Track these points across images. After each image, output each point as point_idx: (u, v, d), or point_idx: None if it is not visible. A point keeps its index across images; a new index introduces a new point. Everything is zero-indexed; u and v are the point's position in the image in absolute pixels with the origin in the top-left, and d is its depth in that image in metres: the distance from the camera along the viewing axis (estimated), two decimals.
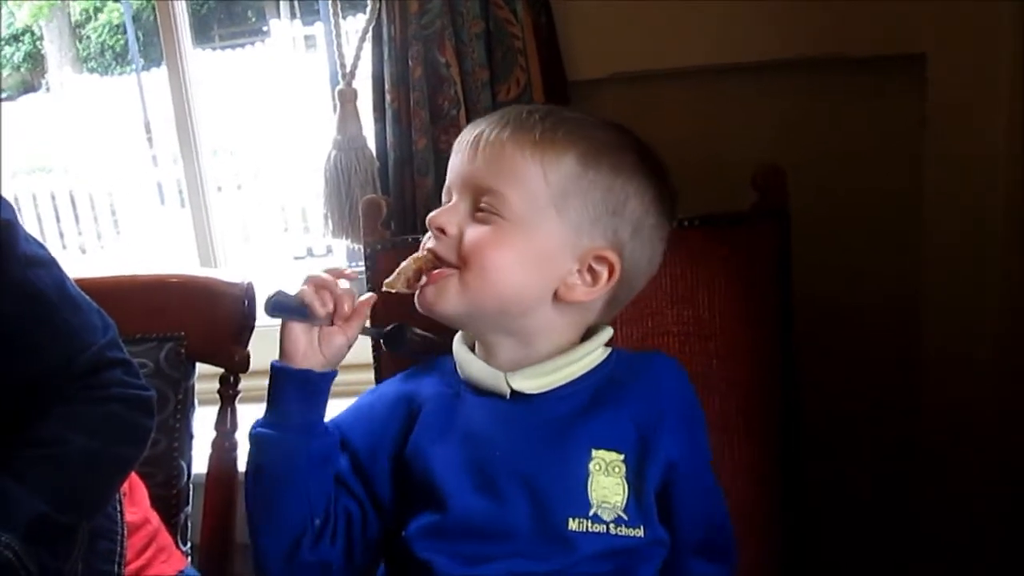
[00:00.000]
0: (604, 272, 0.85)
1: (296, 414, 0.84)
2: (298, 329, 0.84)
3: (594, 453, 0.82)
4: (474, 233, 0.83)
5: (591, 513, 0.81)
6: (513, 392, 0.85)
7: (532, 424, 0.84)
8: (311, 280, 0.85)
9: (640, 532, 0.82)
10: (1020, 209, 1.19)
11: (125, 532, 0.92)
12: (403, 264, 0.85)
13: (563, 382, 0.86)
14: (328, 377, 0.85)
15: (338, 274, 0.86)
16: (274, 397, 0.85)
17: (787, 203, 1.04)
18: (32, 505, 0.75)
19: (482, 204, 0.83)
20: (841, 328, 1.25)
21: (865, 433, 1.29)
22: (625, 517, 0.81)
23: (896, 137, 1.23)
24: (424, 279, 0.85)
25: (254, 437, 0.85)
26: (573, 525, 0.80)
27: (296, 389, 0.84)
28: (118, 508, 0.92)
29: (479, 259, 0.83)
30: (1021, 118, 1.16)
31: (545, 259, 0.84)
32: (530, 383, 0.85)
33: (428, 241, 0.87)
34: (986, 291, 1.23)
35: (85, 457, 0.81)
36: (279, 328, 0.86)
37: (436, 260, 0.85)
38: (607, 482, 0.82)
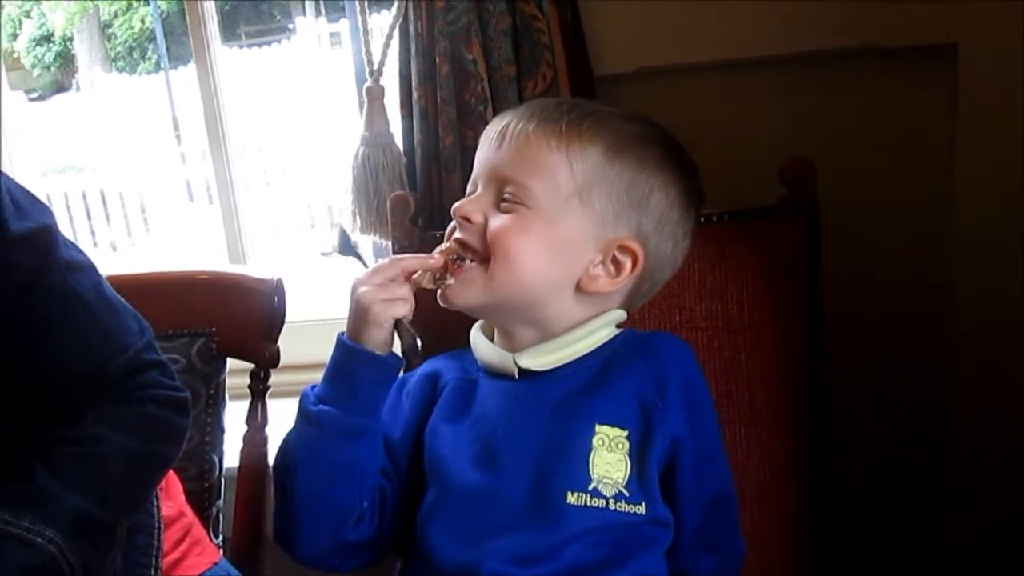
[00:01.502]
0: (628, 263, 0.86)
1: (371, 399, 0.84)
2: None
3: (598, 428, 0.82)
4: (498, 221, 0.84)
5: (591, 487, 0.81)
6: (521, 371, 0.86)
7: (538, 401, 0.85)
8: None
9: (641, 509, 0.81)
10: None
11: (162, 526, 0.93)
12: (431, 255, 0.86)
13: (569, 359, 0.87)
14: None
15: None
16: (349, 379, 0.83)
17: (815, 196, 1.04)
18: (74, 501, 0.77)
19: (506, 194, 0.84)
20: (871, 321, 1.24)
21: (896, 429, 1.28)
22: (626, 493, 0.81)
23: (925, 128, 1.22)
24: (450, 278, 0.85)
25: (320, 416, 0.83)
26: (571, 499, 0.80)
27: (380, 374, 0.84)
28: (155, 503, 0.94)
29: (503, 246, 0.83)
30: None
31: (568, 249, 0.84)
32: (536, 360, 0.86)
33: (453, 232, 0.88)
34: (1017, 282, 1.21)
35: (124, 456, 0.82)
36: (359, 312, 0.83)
37: (462, 248, 0.85)
38: (610, 458, 0.82)
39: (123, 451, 0.82)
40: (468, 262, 0.85)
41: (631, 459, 0.82)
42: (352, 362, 0.83)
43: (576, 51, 1.19)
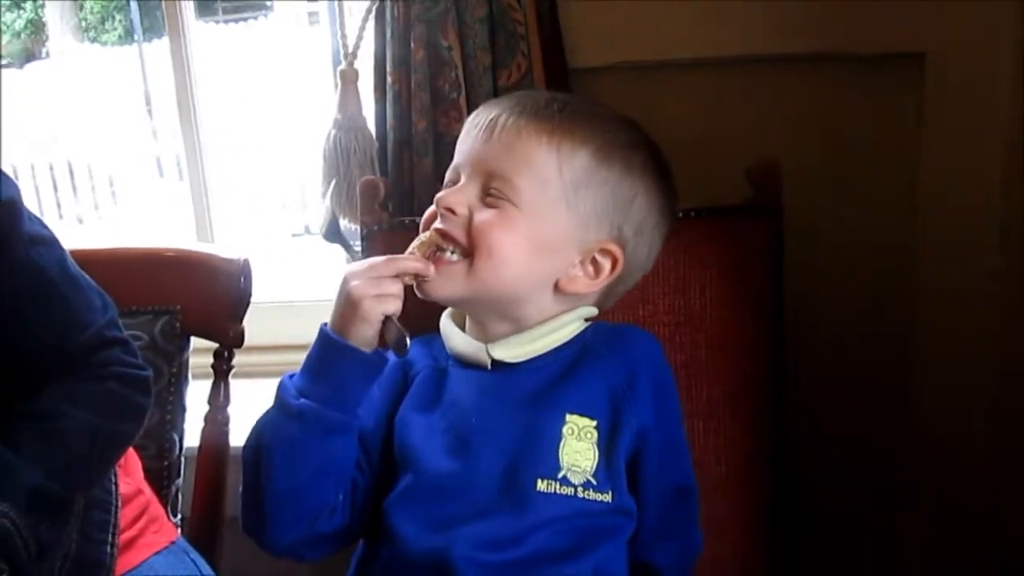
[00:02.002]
0: (607, 265, 0.87)
1: (354, 396, 0.83)
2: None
3: (568, 418, 0.84)
4: (483, 216, 0.84)
5: (560, 475, 0.82)
6: (494, 363, 0.87)
7: (510, 391, 0.86)
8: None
9: (608, 497, 0.83)
10: (1016, 208, 1.20)
11: (119, 503, 0.93)
12: (411, 248, 0.85)
13: (542, 351, 0.88)
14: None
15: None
16: (333, 375, 0.82)
17: (781, 197, 1.05)
18: (30, 476, 0.77)
19: (492, 189, 0.84)
20: (833, 322, 1.26)
21: (855, 426, 1.31)
22: (594, 482, 0.83)
23: (893, 135, 1.24)
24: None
25: (301, 411, 0.81)
26: (542, 486, 0.82)
27: (365, 371, 0.82)
28: (113, 480, 0.93)
29: (487, 242, 0.83)
30: (1019, 118, 1.17)
31: (550, 249, 0.85)
32: (510, 352, 0.87)
33: (431, 221, 0.87)
34: (982, 288, 1.24)
35: (83, 432, 0.82)
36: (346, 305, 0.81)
37: (442, 239, 0.85)
38: (579, 447, 0.83)
39: (83, 427, 0.81)
40: (449, 254, 0.85)
41: (599, 448, 0.84)
42: (337, 357, 0.81)
43: (552, 43, 1.19)
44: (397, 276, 0.82)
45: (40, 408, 0.81)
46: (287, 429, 0.82)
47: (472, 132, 0.87)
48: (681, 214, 1.04)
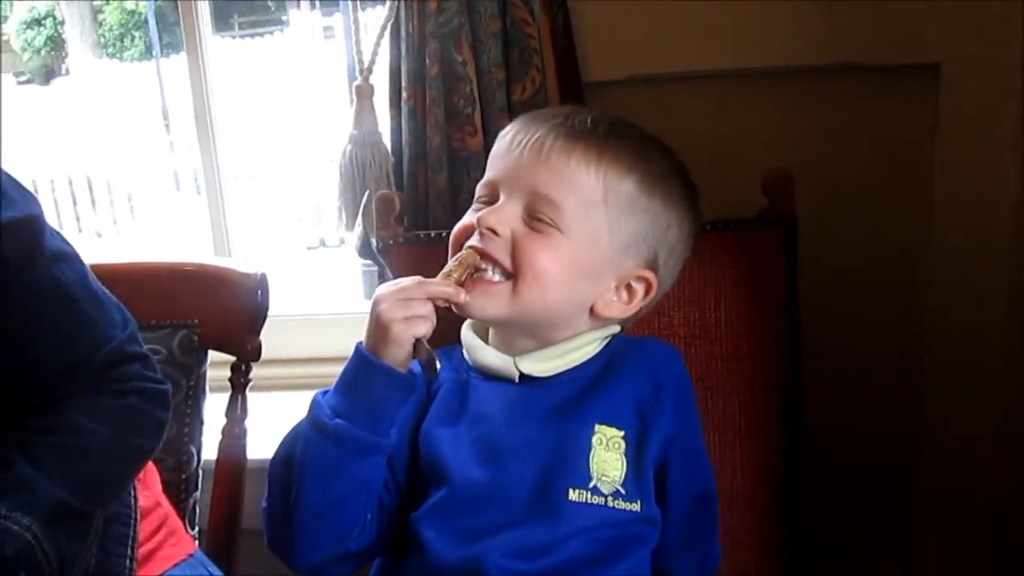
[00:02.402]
0: (640, 291, 0.88)
1: (389, 416, 0.82)
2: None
3: (597, 428, 0.85)
4: (532, 241, 0.84)
5: (591, 485, 0.83)
6: (522, 376, 0.87)
7: (538, 403, 0.87)
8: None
9: (637, 507, 0.84)
10: None
11: (138, 516, 0.94)
12: (447, 269, 0.83)
13: (570, 366, 0.89)
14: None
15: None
16: (368, 395, 0.81)
17: (795, 209, 1.05)
18: (52, 491, 0.77)
19: (540, 213, 0.84)
20: (847, 334, 1.25)
21: (868, 437, 1.30)
22: (623, 491, 0.84)
23: (907, 145, 1.24)
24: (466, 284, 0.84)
25: (337, 431, 0.80)
26: (573, 495, 0.82)
27: (400, 393, 0.82)
28: (132, 493, 0.94)
29: (533, 266, 0.83)
30: None
31: (591, 274, 0.86)
32: (539, 366, 0.88)
33: (472, 240, 0.86)
34: (993, 299, 1.23)
35: (104, 447, 0.82)
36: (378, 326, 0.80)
37: (484, 259, 0.84)
38: (607, 456, 0.84)
39: (103, 442, 0.82)
40: (490, 273, 0.84)
41: (627, 458, 0.85)
42: (372, 377, 0.80)
43: (566, 57, 1.20)
44: (428, 299, 0.81)
45: (60, 424, 0.81)
46: (322, 448, 0.81)
47: (515, 150, 0.86)
48: None
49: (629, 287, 0.88)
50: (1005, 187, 1.20)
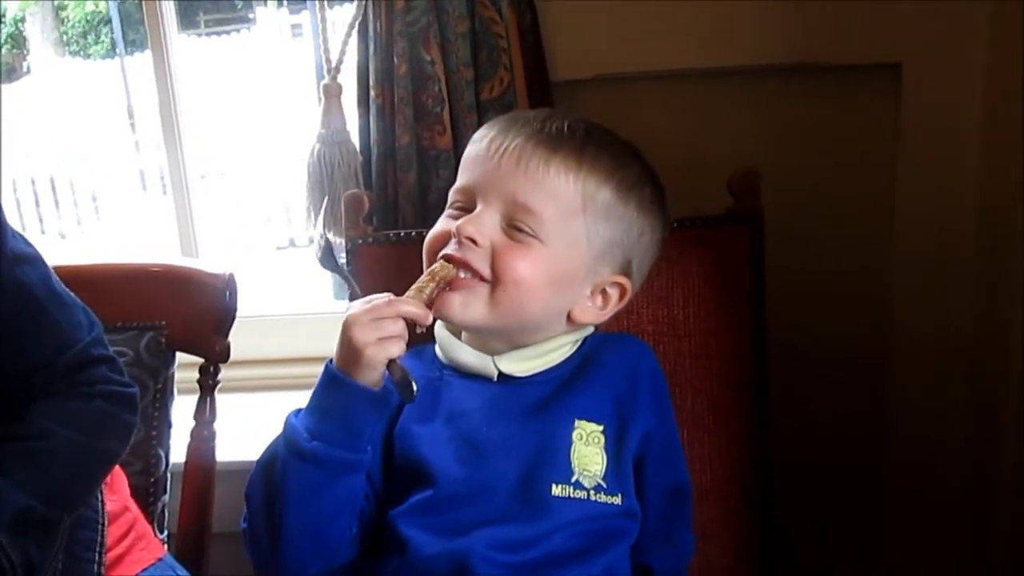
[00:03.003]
0: (615, 296, 0.89)
1: (366, 434, 0.81)
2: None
3: (576, 423, 0.86)
4: (512, 251, 0.84)
5: (573, 479, 0.84)
6: (500, 374, 0.88)
7: (518, 401, 0.87)
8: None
9: (618, 500, 0.85)
10: (990, 216, 1.22)
11: (106, 521, 0.93)
12: (419, 283, 0.82)
13: (548, 366, 0.90)
14: None
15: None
16: (344, 415, 0.80)
17: (761, 207, 1.07)
18: (17, 498, 0.76)
19: (517, 221, 0.84)
20: (813, 331, 1.27)
21: (835, 433, 1.32)
22: (604, 485, 0.85)
23: (870, 143, 1.26)
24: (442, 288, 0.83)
25: (316, 453, 0.79)
26: (556, 490, 0.83)
27: (376, 410, 0.81)
28: (99, 498, 0.93)
29: (515, 279, 0.83)
30: (993, 128, 1.19)
31: (569, 282, 0.87)
32: (517, 366, 0.88)
33: (448, 248, 0.85)
34: (956, 296, 1.26)
35: (70, 451, 0.81)
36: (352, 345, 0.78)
37: (462, 268, 0.84)
38: (587, 451, 0.85)
39: (69, 447, 0.81)
40: (466, 276, 0.84)
41: (607, 452, 0.86)
42: (345, 397, 0.79)
43: (533, 56, 1.20)
44: (399, 317, 0.79)
45: (25, 429, 0.80)
46: (301, 472, 0.80)
47: (492, 157, 0.85)
48: None
49: (604, 292, 0.89)
50: (967, 185, 1.22)
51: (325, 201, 1.21)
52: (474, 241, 0.84)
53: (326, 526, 0.82)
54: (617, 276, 0.89)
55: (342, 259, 1.10)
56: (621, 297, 0.90)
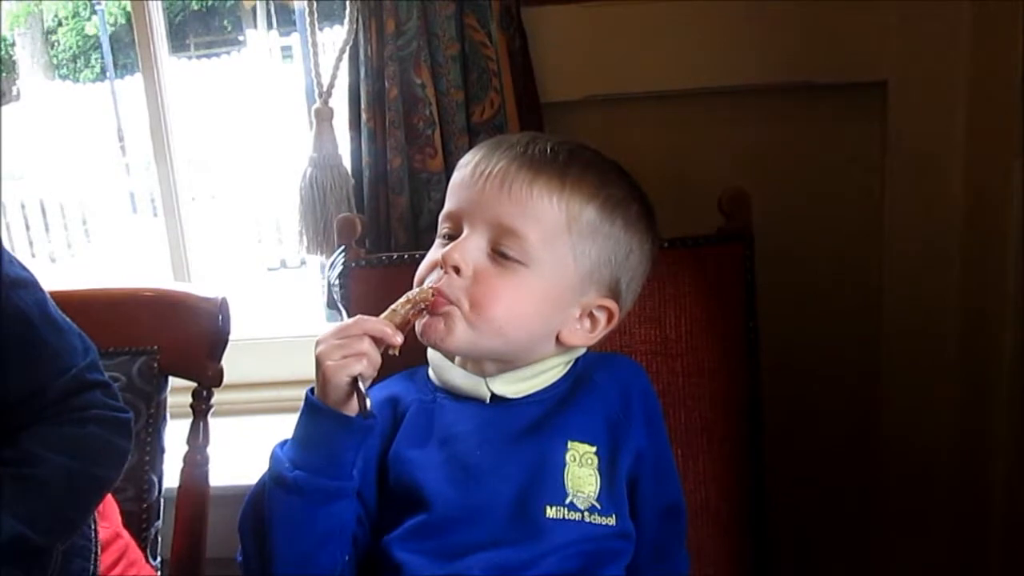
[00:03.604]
0: (603, 319, 0.89)
1: (349, 460, 0.81)
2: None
3: (570, 445, 0.86)
4: (496, 279, 0.84)
5: (567, 501, 0.84)
6: (492, 396, 0.88)
7: (511, 423, 0.87)
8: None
9: (612, 521, 0.85)
10: (977, 233, 1.23)
11: (99, 550, 0.92)
12: (395, 305, 0.82)
13: (540, 387, 0.89)
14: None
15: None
16: (324, 443, 0.79)
17: (751, 226, 1.07)
18: (9, 526, 0.76)
19: (503, 247, 0.84)
20: (805, 348, 1.28)
21: (827, 449, 1.32)
22: (598, 506, 0.85)
23: (857, 160, 1.27)
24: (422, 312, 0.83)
25: (298, 483, 0.79)
26: (551, 512, 0.83)
27: (357, 438, 0.80)
28: (92, 526, 0.92)
29: (495, 307, 0.83)
30: (978, 143, 1.20)
31: (556, 305, 0.87)
32: (510, 388, 0.88)
33: (430, 277, 0.86)
34: (946, 309, 1.26)
35: (63, 478, 0.81)
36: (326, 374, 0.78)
37: (444, 299, 0.83)
38: (581, 472, 0.85)
39: (62, 472, 0.81)
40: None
41: (600, 473, 0.86)
42: (323, 424, 0.79)
43: (524, 78, 1.21)
44: (365, 336, 0.79)
45: (18, 454, 0.80)
46: (286, 503, 0.80)
47: (477, 181, 0.86)
48: None
49: (592, 316, 0.89)
50: (954, 199, 1.23)
51: (300, 220, 1.22)
52: (458, 270, 0.84)
53: (315, 555, 0.81)
54: (605, 300, 0.89)
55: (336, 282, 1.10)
56: (609, 320, 0.90)
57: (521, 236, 0.84)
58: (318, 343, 0.80)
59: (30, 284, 0.85)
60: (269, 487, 0.81)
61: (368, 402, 0.78)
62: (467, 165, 0.88)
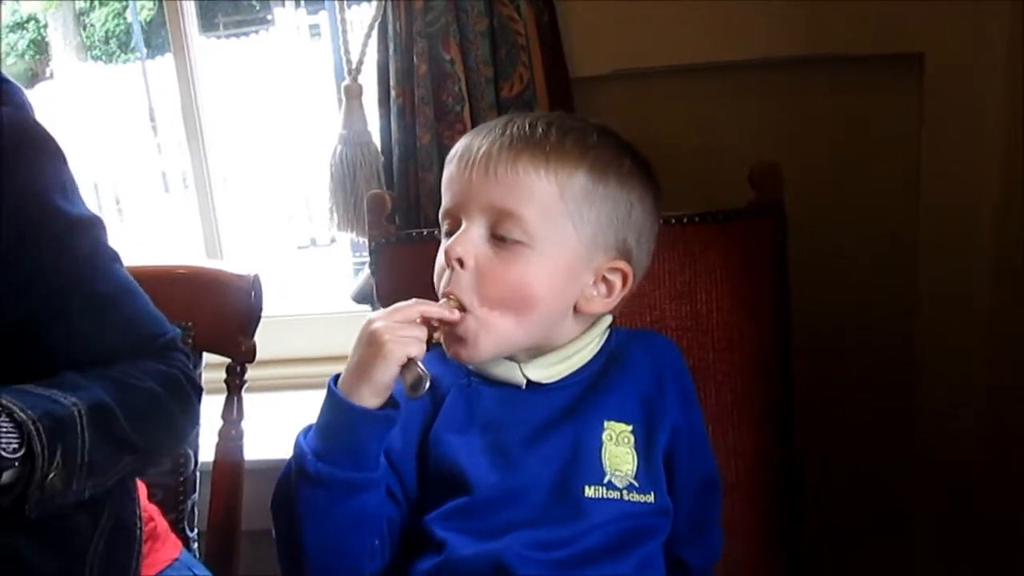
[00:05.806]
0: (618, 282, 0.88)
1: (373, 452, 0.81)
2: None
3: (606, 424, 0.87)
4: (501, 266, 0.83)
5: (606, 480, 0.85)
6: (528, 382, 0.88)
7: (547, 406, 0.88)
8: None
9: (651, 498, 0.86)
10: (1015, 205, 1.20)
11: (143, 536, 0.94)
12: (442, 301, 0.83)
13: (574, 369, 0.90)
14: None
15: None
16: (347, 436, 0.79)
17: (782, 199, 1.06)
18: (99, 393, 0.80)
19: (502, 231, 0.83)
20: (837, 322, 1.26)
21: (861, 424, 1.31)
22: (636, 484, 0.85)
23: (892, 134, 1.25)
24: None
25: (321, 475, 0.79)
26: (590, 492, 0.84)
27: (380, 430, 0.80)
28: (137, 512, 0.94)
29: (519, 292, 0.83)
30: (1017, 116, 1.18)
31: (568, 277, 0.86)
32: (544, 372, 0.88)
33: (442, 281, 0.85)
34: (980, 285, 1.25)
35: (148, 394, 0.86)
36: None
37: (460, 319, 0.83)
38: (618, 451, 0.86)
39: (149, 390, 0.86)
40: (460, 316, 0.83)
41: (637, 452, 0.86)
42: (347, 418, 0.79)
43: (553, 53, 1.20)
44: (424, 322, 0.80)
45: (114, 372, 0.85)
46: (311, 495, 0.80)
47: (464, 172, 0.85)
48: (685, 219, 1.06)
49: (606, 280, 0.88)
50: (991, 173, 1.21)
51: (330, 197, 1.24)
52: (462, 262, 0.83)
53: (343, 541, 0.82)
54: (616, 261, 0.87)
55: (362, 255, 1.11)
56: (624, 282, 0.88)
57: (517, 216, 0.83)
58: (373, 319, 0.80)
59: (120, 260, 0.92)
60: (294, 476, 0.81)
61: (427, 382, 0.78)
62: (452, 160, 0.88)
